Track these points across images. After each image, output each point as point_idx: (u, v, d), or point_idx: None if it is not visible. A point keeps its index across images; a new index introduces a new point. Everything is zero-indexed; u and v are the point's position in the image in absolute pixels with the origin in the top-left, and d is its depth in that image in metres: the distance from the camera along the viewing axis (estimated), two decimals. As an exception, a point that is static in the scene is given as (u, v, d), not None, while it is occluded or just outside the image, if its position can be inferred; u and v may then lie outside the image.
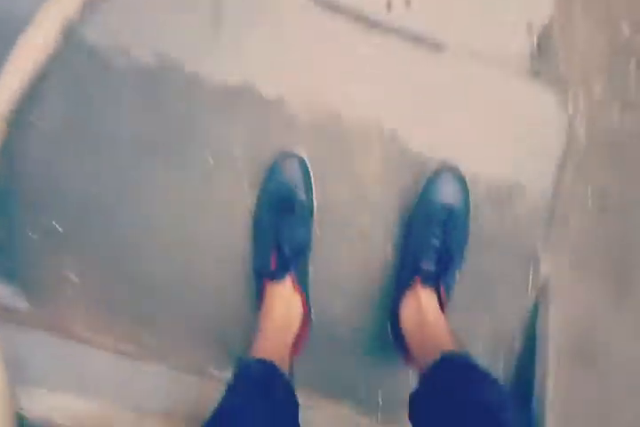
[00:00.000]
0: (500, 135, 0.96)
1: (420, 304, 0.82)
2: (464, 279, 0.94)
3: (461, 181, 0.90)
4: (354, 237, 0.94)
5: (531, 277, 0.98)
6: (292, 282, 0.83)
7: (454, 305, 0.91)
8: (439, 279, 0.84)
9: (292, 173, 0.88)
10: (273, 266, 0.84)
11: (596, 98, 1.01)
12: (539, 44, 0.99)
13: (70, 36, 0.88)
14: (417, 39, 0.96)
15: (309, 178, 0.89)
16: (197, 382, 0.89)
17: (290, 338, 0.82)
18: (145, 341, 0.90)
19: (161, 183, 0.92)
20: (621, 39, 1.05)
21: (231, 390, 0.67)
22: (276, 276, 0.83)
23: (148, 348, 0.90)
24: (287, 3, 0.94)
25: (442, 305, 0.83)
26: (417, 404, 0.70)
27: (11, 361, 0.81)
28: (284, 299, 0.83)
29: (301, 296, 0.84)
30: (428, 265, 0.85)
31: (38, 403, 0.80)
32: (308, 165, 0.90)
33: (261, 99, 0.92)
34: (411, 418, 0.71)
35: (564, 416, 0.94)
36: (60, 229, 0.91)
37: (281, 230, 0.85)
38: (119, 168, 0.92)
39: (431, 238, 0.86)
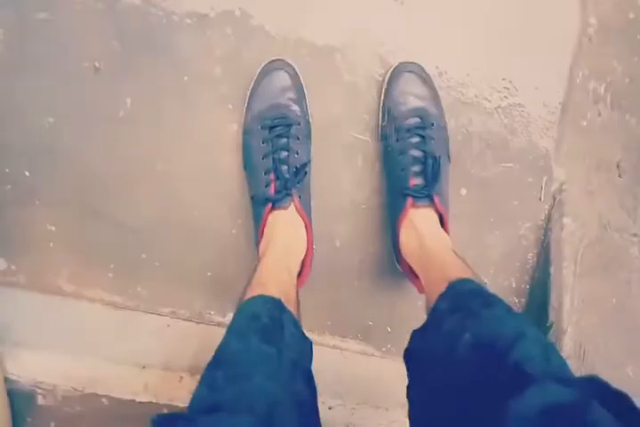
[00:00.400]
0: (506, 27, 0.83)
1: (417, 230, 0.74)
2: (471, 194, 0.87)
3: (423, 76, 0.80)
4: (351, 155, 0.84)
5: (544, 186, 0.90)
6: (296, 205, 0.75)
7: (462, 219, 0.85)
8: (432, 192, 0.75)
9: (281, 84, 0.77)
10: (272, 191, 0.75)
11: None
12: None
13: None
14: None
15: (302, 87, 0.79)
16: (197, 330, 0.82)
17: (295, 267, 0.75)
18: (135, 290, 0.82)
19: (136, 111, 0.81)
20: None
21: (234, 332, 0.59)
22: (279, 201, 0.74)
23: (139, 298, 0.83)
24: None
25: (442, 220, 0.76)
26: (418, 344, 0.64)
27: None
28: (287, 225, 0.75)
29: (305, 220, 0.76)
30: (416, 180, 0.76)
31: (26, 365, 0.73)
32: (299, 74, 0.79)
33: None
34: (407, 354, 0.65)
35: (581, 328, 0.90)
36: (26, 174, 0.81)
37: (277, 150, 0.76)
38: (84, 96, 0.80)
39: (410, 149, 0.77)
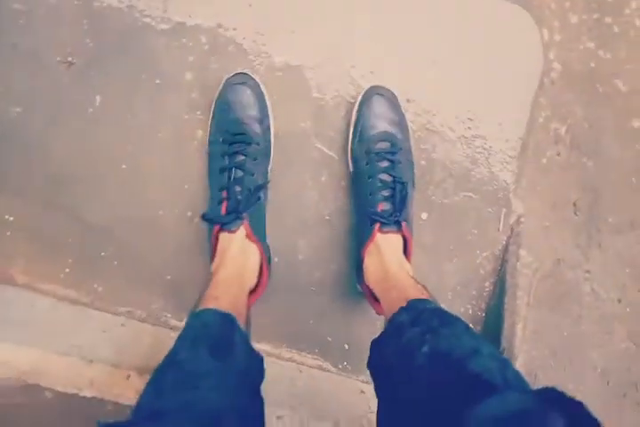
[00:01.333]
0: (472, 62, 0.90)
1: (383, 256, 0.75)
2: (431, 219, 0.90)
3: (392, 101, 0.82)
4: (317, 170, 0.87)
5: (502, 217, 0.94)
6: (246, 230, 0.74)
7: (423, 246, 0.87)
8: (400, 219, 0.75)
9: (244, 99, 0.78)
10: (223, 210, 0.74)
11: (570, 29, 0.96)
12: None
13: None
14: None
15: (265, 105, 0.80)
16: (151, 331, 0.83)
17: (248, 284, 0.75)
18: (91, 287, 0.82)
19: (105, 109, 0.83)
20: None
21: (185, 341, 0.60)
22: (227, 224, 0.74)
23: (94, 295, 0.83)
24: None
25: (406, 245, 0.77)
26: (377, 352, 0.65)
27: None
28: (237, 248, 0.74)
29: (257, 244, 0.76)
30: (385, 205, 0.77)
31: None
32: (263, 90, 0.80)
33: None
34: (369, 364, 0.66)
35: (532, 358, 0.92)
36: None
37: (233, 167, 0.75)
38: (54, 89, 0.82)
39: (379, 174, 0.78)
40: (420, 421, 0.48)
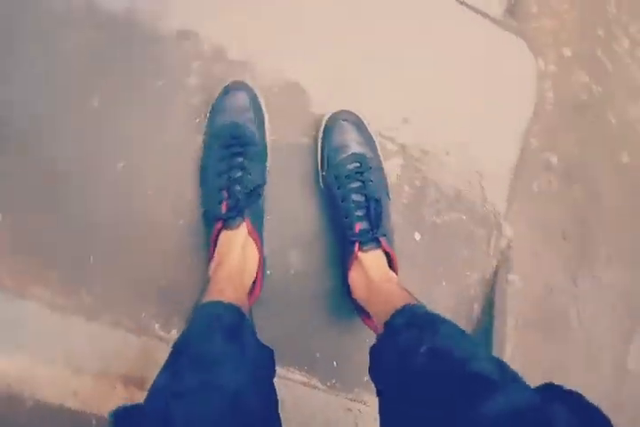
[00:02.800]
0: (469, 90, 0.93)
1: (367, 271, 0.76)
2: (424, 240, 0.91)
3: (358, 123, 0.84)
4: (311, 184, 0.89)
5: (492, 240, 0.96)
6: (248, 227, 0.75)
7: (414, 265, 0.88)
8: (378, 235, 0.77)
9: (241, 103, 0.80)
10: (224, 209, 0.76)
11: (565, 61, 1.00)
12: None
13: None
14: None
15: (261, 111, 0.83)
16: (139, 342, 0.82)
17: (247, 285, 0.76)
18: (79, 294, 0.82)
19: (105, 107, 0.84)
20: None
21: (196, 330, 0.59)
22: (229, 221, 0.75)
23: (82, 302, 0.82)
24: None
25: (390, 259, 0.79)
26: (377, 356, 0.65)
27: None
28: (238, 245, 0.75)
29: (256, 241, 0.77)
30: (361, 225, 0.78)
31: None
32: (260, 98, 0.83)
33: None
34: (370, 371, 0.66)
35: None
36: None
37: (232, 168, 0.77)
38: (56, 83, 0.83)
39: (351, 195, 0.79)
40: (425, 420, 0.49)
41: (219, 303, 0.63)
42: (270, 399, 0.58)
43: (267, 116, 0.83)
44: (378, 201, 0.79)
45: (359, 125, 0.84)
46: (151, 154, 0.84)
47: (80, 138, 0.83)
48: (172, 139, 0.85)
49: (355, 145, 0.82)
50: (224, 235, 0.76)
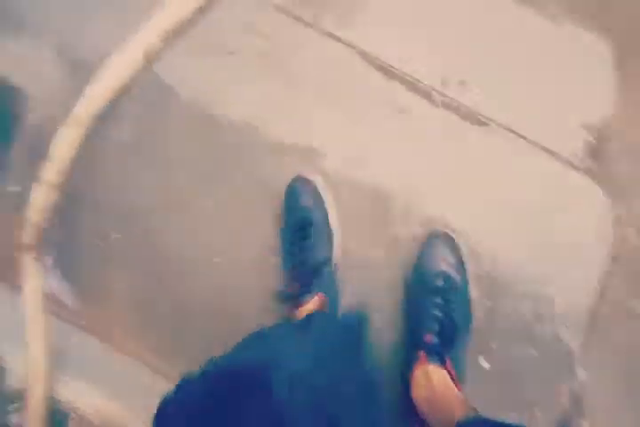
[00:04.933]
0: (543, 229, 0.98)
1: (430, 381, 0.80)
2: (493, 376, 0.93)
3: (454, 246, 0.90)
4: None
5: (565, 383, 0.95)
6: (319, 300, 0.81)
7: (479, 404, 0.90)
8: (444, 353, 0.81)
9: (304, 196, 0.91)
10: (293, 288, 0.84)
11: None
12: (593, 142, 0.98)
13: (150, 67, 1.01)
14: (467, 115, 1.00)
15: (322, 200, 0.93)
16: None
17: None
18: (170, 358, 0.96)
19: (204, 206, 1.01)
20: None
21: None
22: (298, 299, 0.82)
23: (169, 365, 0.96)
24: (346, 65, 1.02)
25: (452, 378, 0.81)
26: None
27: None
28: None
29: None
30: (431, 338, 0.82)
31: (67, 390, 0.87)
32: (321, 190, 0.94)
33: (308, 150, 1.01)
34: None
35: None
36: (118, 237, 1.00)
37: (299, 252, 0.87)
38: (173, 187, 1.03)
39: (431, 308, 0.84)
40: None
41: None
42: None
43: (330, 203, 0.95)
44: (454, 323, 0.84)
45: (454, 248, 0.91)
46: (245, 249, 0.99)
47: (189, 230, 1.01)
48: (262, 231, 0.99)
49: (446, 265, 0.89)
50: (296, 313, 0.82)
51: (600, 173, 0.98)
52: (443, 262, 0.89)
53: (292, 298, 0.83)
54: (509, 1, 1.02)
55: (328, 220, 0.93)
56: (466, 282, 0.91)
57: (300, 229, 0.89)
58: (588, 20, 1.01)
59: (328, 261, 0.88)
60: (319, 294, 0.83)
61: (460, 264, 0.91)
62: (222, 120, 1.02)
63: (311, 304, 0.81)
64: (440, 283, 0.87)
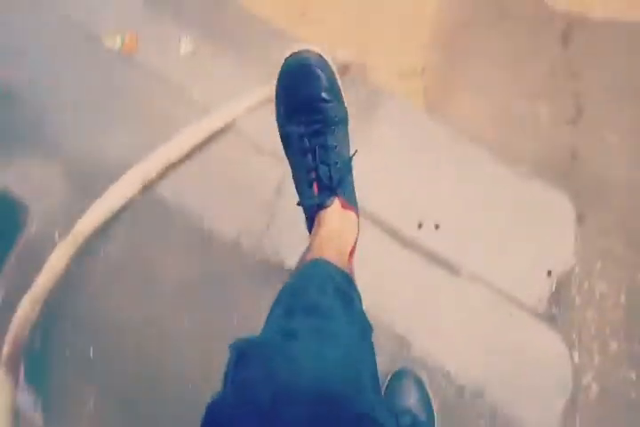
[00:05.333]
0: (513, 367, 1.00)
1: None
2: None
3: (421, 388, 0.90)
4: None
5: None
6: (340, 201, 0.74)
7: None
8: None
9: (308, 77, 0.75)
10: (316, 191, 0.74)
11: (610, 355, 1.01)
12: (556, 290, 1.03)
13: (147, 191, 1.08)
14: (438, 260, 1.05)
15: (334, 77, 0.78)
16: None
17: (347, 248, 0.74)
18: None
19: (188, 329, 1.01)
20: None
21: (311, 280, 0.59)
22: (322, 203, 0.73)
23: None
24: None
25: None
26: None
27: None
28: (334, 220, 0.73)
29: (352, 209, 0.76)
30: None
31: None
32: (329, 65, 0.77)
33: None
34: None
35: None
36: (91, 355, 0.99)
37: (315, 150, 0.74)
38: (159, 305, 1.03)
39: None
40: None
41: (330, 265, 0.63)
42: (372, 369, 0.55)
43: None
44: None
45: (421, 388, 0.92)
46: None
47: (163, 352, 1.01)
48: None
49: (411, 402, 0.89)
50: (319, 215, 0.75)
51: (561, 320, 1.03)
52: (409, 401, 0.89)
53: (316, 204, 0.75)
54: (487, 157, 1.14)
55: (342, 95, 0.79)
56: (431, 420, 0.91)
57: (315, 122, 0.75)
58: (556, 180, 1.12)
59: (351, 157, 0.78)
60: (340, 195, 0.75)
61: (425, 404, 0.91)
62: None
63: (335, 205, 0.74)
64: (408, 421, 0.86)
